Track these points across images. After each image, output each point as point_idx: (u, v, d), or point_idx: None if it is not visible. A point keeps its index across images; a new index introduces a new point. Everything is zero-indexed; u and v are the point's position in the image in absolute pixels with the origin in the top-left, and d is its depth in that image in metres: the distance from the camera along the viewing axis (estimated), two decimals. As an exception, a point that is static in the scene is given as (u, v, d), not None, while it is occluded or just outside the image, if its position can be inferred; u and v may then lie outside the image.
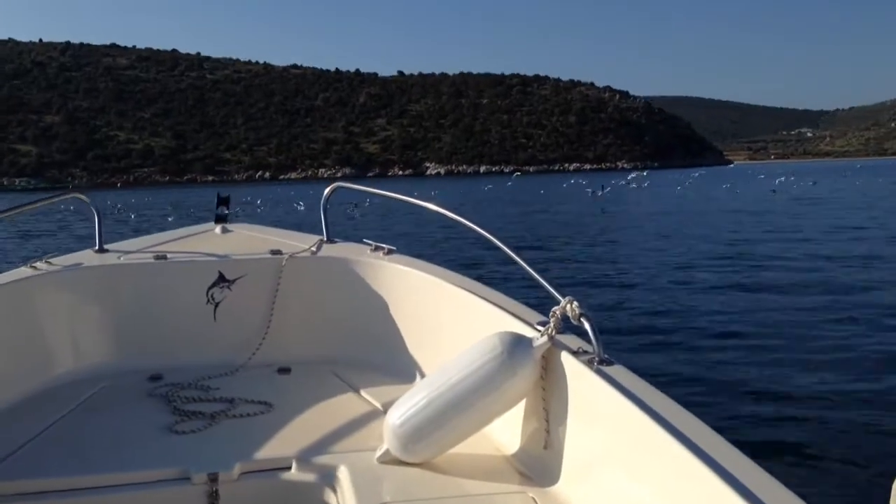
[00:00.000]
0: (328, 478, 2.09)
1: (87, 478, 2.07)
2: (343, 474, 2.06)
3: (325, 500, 2.07)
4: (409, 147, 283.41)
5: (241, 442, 2.29)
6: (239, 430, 2.41)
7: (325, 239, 3.42)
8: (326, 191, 3.53)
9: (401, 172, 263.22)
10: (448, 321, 2.75)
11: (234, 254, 3.25)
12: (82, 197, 3.52)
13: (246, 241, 3.47)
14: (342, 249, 3.34)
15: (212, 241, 3.48)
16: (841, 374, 6.62)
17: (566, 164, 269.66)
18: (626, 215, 30.48)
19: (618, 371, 1.88)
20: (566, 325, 2.05)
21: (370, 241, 3.31)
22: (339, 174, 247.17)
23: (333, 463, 2.13)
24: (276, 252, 3.27)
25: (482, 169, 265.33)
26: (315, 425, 2.41)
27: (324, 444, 2.26)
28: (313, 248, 3.32)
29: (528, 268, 2.36)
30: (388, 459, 2.11)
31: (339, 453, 2.20)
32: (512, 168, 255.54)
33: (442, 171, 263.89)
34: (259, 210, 37.88)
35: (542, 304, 2.17)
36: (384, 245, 3.25)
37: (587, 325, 1.96)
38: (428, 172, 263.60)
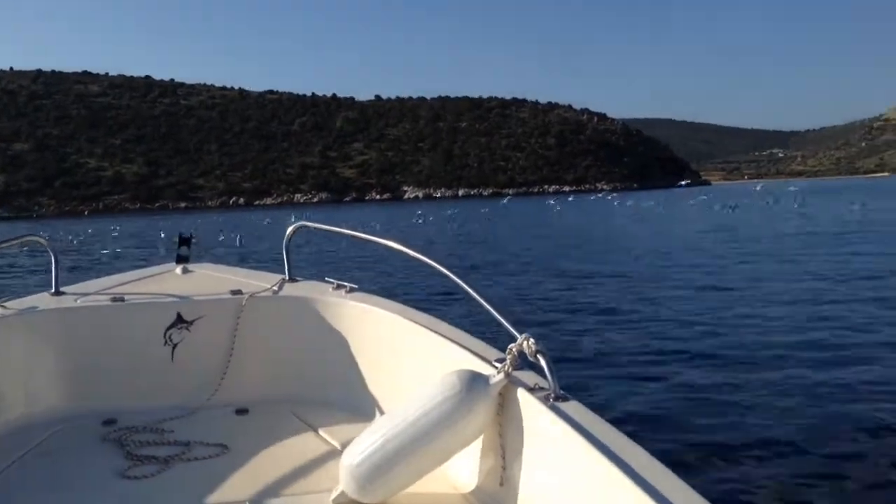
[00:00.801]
0: None
1: None
2: None
3: None
4: (386, 171, 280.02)
5: (195, 486, 2.24)
6: (193, 474, 2.36)
7: (287, 278, 3.40)
8: (289, 230, 3.52)
9: (378, 196, 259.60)
10: (408, 359, 2.75)
11: (193, 294, 3.22)
12: (40, 240, 3.50)
13: (206, 281, 3.45)
14: (304, 288, 3.32)
15: (171, 281, 3.46)
16: (806, 409, 6.42)
17: (546, 186, 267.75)
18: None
19: (573, 407, 1.88)
20: (524, 362, 2.07)
21: (332, 280, 3.29)
22: (315, 199, 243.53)
23: None
24: (237, 292, 3.24)
25: (460, 192, 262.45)
26: (271, 467, 2.37)
27: (279, 485, 2.23)
28: (275, 288, 3.29)
29: (486, 304, 2.35)
30: (343, 501, 2.08)
31: (295, 495, 2.15)
32: (491, 191, 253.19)
33: (420, 194, 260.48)
34: (239, 246, 30.91)
35: (501, 339, 2.19)
36: (346, 283, 3.22)
37: (543, 362, 1.97)
38: (406, 196, 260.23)
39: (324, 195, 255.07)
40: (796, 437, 5.62)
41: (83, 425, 2.84)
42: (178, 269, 3.59)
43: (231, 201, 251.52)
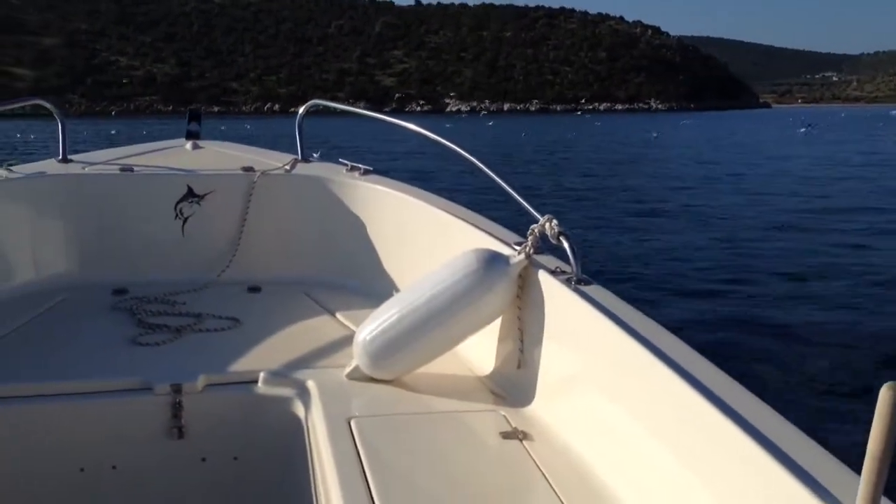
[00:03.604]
0: (295, 392, 2.05)
1: (46, 384, 2.04)
2: (311, 389, 2.03)
3: (292, 414, 2.04)
4: (427, 81, 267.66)
5: (206, 355, 2.25)
6: (205, 344, 2.36)
7: (300, 158, 3.32)
8: (302, 109, 3.42)
9: (419, 108, 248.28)
10: (425, 242, 2.69)
11: (204, 169, 3.16)
12: (45, 103, 3.41)
13: (217, 157, 3.38)
14: (317, 168, 3.25)
15: (181, 156, 3.37)
16: (824, 303, 7.64)
17: (596, 104, 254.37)
18: None
19: (596, 290, 1.85)
20: (545, 246, 2.03)
21: (346, 161, 3.21)
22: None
23: (301, 378, 2.09)
24: (249, 169, 3.16)
25: (506, 106, 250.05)
26: (284, 343, 2.37)
27: (292, 360, 2.22)
28: (287, 167, 3.22)
29: (507, 187, 2.30)
30: (357, 376, 2.07)
31: (308, 369, 2.15)
32: (538, 106, 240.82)
33: (463, 107, 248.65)
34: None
35: (523, 227, 2.11)
36: (360, 165, 3.15)
37: (566, 244, 1.93)
38: (448, 109, 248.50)
39: (362, 104, 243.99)
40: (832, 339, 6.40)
41: (93, 294, 2.81)
42: (189, 145, 3.48)
43: (266, 107, 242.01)
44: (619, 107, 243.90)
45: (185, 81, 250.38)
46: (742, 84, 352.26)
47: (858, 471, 0.95)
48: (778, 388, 5.05)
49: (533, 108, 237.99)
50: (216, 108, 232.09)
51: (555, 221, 1.96)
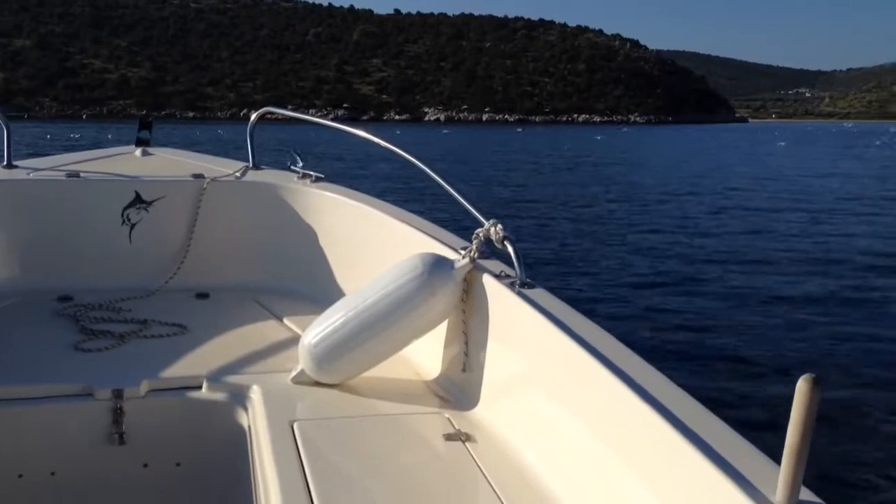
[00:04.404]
0: (239, 397, 2.02)
1: None
2: (255, 393, 1.99)
3: (236, 420, 2.00)
4: (406, 90, 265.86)
5: (150, 361, 2.21)
6: (149, 350, 2.32)
7: (251, 165, 3.30)
8: (253, 116, 3.44)
9: (397, 117, 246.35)
10: (374, 248, 2.70)
11: (153, 175, 3.11)
12: None
13: (167, 164, 3.35)
14: (268, 176, 3.24)
15: (130, 162, 3.32)
16: (760, 296, 8.32)
17: (576, 115, 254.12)
18: None
19: (539, 294, 1.85)
20: (490, 251, 2.04)
21: (297, 169, 3.20)
22: (330, 116, 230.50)
23: (246, 383, 2.05)
24: (199, 176, 3.13)
25: (485, 116, 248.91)
26: (230, 348, 2.34)
27: (238, 365, 2.19)
28: (237, 174, 3.20)
29: (454, 193, 2.29)
30: (302, 380, 2.05)
31: (253, 374, 2.12)
32: (517, 117, 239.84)
33: (442, 117, 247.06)
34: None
35: (469, 231, 2.13)
36: (312, 172, 3.14)
37: (510, 248, 1.93)
38: (427, 118, 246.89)
39: (340, 112, 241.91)
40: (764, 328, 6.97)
41: (37, 300, 2.76)
42: (138, 152, 3.45)
43: (241, 113, 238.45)
44: (597, 119, 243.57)
45: (160, 86, 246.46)
46: (720, 98, 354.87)
47: (779, 461, 0.99)
48: (710, 382, 5.51)
49: (512, 119, 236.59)
50: (191, 114, 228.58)
51: (500, 226, 1.97)
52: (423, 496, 1.57)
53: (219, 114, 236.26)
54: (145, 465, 2.03)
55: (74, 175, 3.05)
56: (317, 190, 3.02)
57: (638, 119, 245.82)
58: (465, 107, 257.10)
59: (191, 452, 2.05)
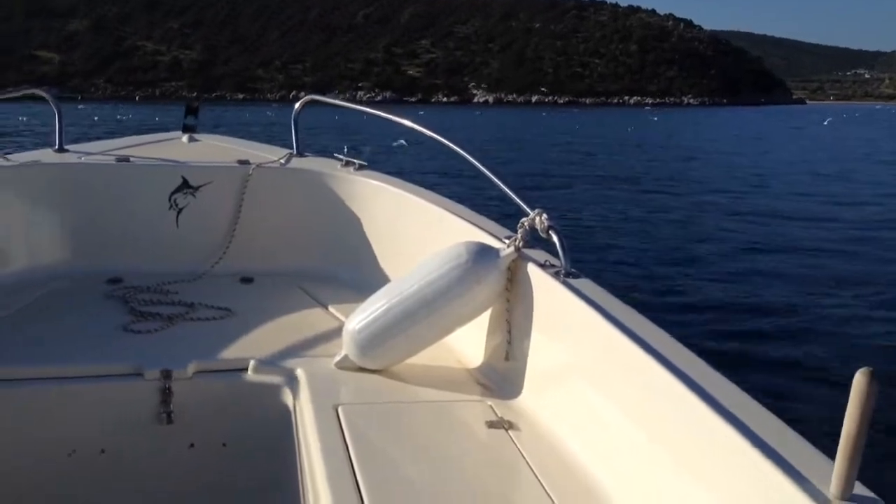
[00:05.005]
0: (285, 380, 2.08)
1: (36, 368, 2.05)
2: (300, 377, 2.05)
3: (281, 402, 2.05)
4: (454, 72, 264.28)
5: (197, 343, 2.27)
6: (196, 333, 2.39)
7: (295, 152, 3.35)
8: (297, 105, 3.47)
9: (445, 98, 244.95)
10: (417, 236, 2.72)
11: (199, 161, 3.19)
12: (41, 92, 3.41)
13: (213, 150, 3.42)
14: (312, 163, 3.28)
15: (177, 148, 3.41)
16: (811, 289, 7.95)
17: (626, 98, 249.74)
18: None
19: (584, 284, 1.86)
20: (535, 240, 2.04)
21: (341, 156, 3.24)
22: (378, 97, 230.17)
23: (290, 367, 2.11)
24: (244, 162, 3.19)
25: (534, 99, 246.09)
26: (275, 333, 2.40)
27: (282, 349, 2.24)
28: (282, 161, 3.25)
29: (498, 182, 2.31)
30: (346, 365, 2.09)
31: (297, 358, 2.18)
32: (567, 99, 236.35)
33: (490, 99, 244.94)
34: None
35: (514, 221, 2.13)
36: (355, 160, 3.18)
37: (555, 238, 1.94)
38: (475, 100, 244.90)
39: (387, 94, 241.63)
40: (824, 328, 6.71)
41: (86, 282, 2.83)
42: (185, 138, 3.53)
43: (291, 95, 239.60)
44: (649, 100, 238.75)
45: (211, 68, 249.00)
46: (776, 79, 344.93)
47: (833, 457, 0.98)
48: (760, 377, 5.33)
49: (562, 101, 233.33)
50: (241, 96, 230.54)
51: (545, 215, 1.98)
52: (466, 482, 1.60)
53: (268, 95, 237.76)
54: (192, 445, 2.09)
55: (124, 160, 3.12)
56: (360, 178, 3.05)
57: (692, 101, 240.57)
58: (514, 89, 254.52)
59: (237, 433, 2.11)
